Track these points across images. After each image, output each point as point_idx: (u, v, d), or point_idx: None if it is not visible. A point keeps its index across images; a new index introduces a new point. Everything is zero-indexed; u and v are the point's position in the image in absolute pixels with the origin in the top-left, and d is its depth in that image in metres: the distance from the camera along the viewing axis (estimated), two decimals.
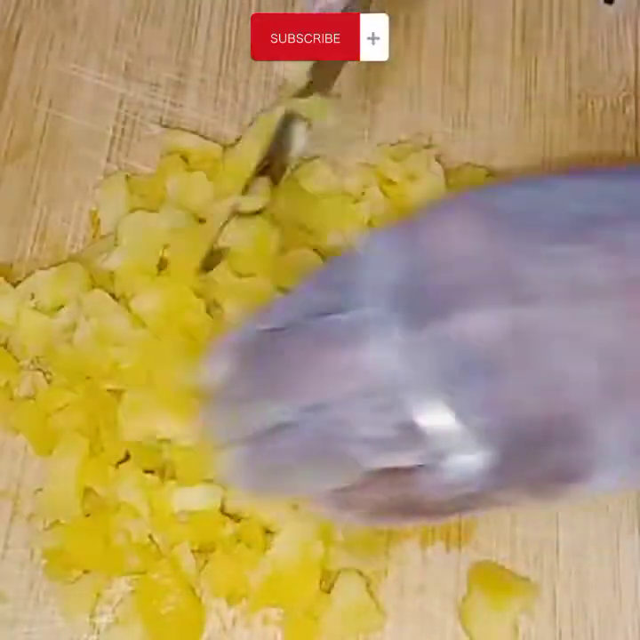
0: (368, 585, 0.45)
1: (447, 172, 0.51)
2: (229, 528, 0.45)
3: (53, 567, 0.45)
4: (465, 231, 0.35)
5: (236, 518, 0.45)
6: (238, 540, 0.44)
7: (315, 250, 0.49)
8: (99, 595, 0.45)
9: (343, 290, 0.36)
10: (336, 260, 0.38)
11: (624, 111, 0.54)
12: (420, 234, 0.35)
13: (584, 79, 0.55)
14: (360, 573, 0.45)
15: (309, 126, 0.48)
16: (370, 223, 0.50)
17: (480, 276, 0.34)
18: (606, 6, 0.55)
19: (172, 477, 0.45)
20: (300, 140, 0.49)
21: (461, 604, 0.45)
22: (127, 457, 0.46)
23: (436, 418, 0.33)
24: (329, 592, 0.44)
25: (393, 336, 0.34)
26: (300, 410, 0.35)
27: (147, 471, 0.45)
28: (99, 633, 0.45)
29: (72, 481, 0.45)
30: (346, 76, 0.55)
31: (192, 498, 0.44)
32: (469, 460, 0.34)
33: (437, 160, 0.52)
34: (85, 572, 0.45)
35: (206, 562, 0.45)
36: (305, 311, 0.37)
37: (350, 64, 0.55)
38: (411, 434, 0.34)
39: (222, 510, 0.45)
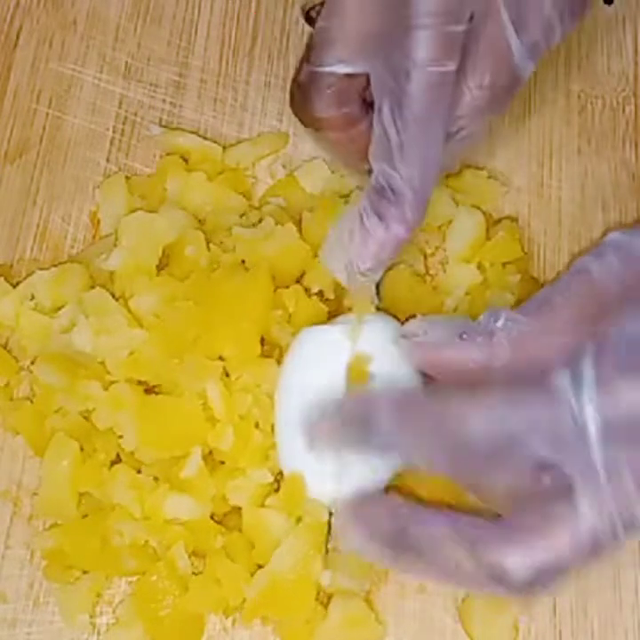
0: (367, 589, 0.45)
1: (447, 173, 0.51)
2: (219, 540, 0.44)
3: (53, 568, 0.45)
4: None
5: (225, 528, 0.45)
6: (227, 554, 0.44)
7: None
8: (99, 595, 0.45)
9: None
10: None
11: (624, 111, 0.54)
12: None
13: (584, 79, 0.55)
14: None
15: None
16: None
17: None
18: (606, 6, 0.55)
19: (166, 480, 0.45)
20: None
21: (461, 604, 0.45)
22: (120, 458, 0.46)
23: None
24: (327, 606, 0.44)
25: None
26: None
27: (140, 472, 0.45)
28: (99, 633, 0.45)
29: (66, 483, 0.45)
30: None
31: (182, 506, 0.44)
32: None
33: None
34: (85, 572, 0.45)
35: (202, 571, 0.44)
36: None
37: None
38: None
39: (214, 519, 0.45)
